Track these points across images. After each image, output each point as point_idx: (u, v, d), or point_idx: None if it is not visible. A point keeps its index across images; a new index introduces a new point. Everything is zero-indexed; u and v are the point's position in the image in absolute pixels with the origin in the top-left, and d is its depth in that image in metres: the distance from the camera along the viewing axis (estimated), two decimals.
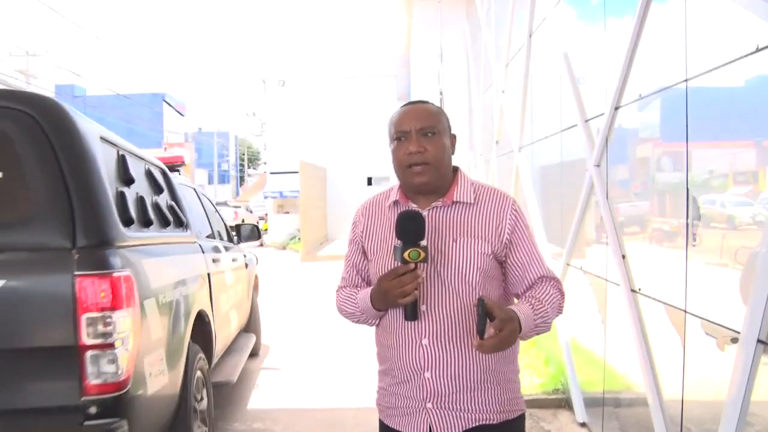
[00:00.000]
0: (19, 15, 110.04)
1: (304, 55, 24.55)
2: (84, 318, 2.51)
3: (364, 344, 6.95)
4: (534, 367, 5.50)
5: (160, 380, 2.99)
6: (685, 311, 2.88)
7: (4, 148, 2.59)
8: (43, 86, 36.41)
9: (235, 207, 31.56)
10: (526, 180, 6.63)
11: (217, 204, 27.24)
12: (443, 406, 1.84)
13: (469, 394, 1.84)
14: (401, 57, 17.50)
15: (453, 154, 1.99)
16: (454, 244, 1.85)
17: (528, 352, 5.81)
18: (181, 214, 4.03)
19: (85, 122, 2.85)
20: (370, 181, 23.76)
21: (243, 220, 31.72)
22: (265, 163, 26.71)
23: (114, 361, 2.56)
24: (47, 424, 2.56)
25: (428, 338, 1.83)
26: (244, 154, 70.72)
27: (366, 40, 23.22)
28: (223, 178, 70.45)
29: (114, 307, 2.56)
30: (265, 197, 25.02)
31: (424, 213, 1.87)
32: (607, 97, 3.92)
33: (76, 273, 2.52)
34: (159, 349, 3.02)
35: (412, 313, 1.78)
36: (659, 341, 3.26)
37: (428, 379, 1.83)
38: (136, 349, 2.70)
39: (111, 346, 2.55)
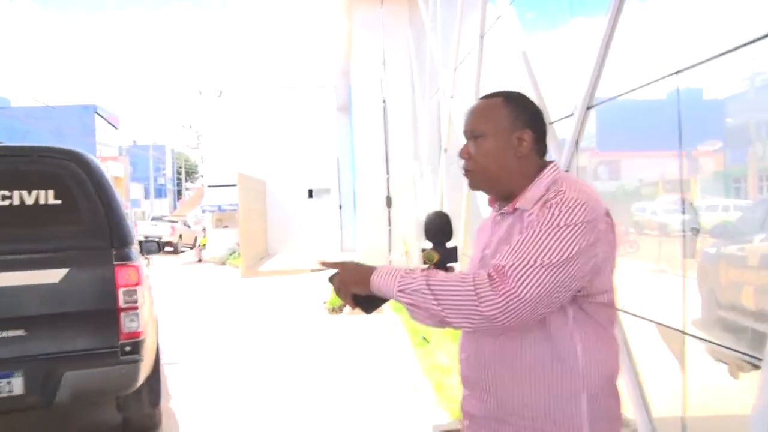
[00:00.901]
0: None
1: (242, 64, 23.85)
2: (120, 291, 3.98)
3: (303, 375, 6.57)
4: None
5: (152, 333, 4.51)
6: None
7: (60, 184, 4.01)
8: None
9: (172, 222, 30.49)
10: (479, 193, 6.29)
11: (154, 219, 26.16)
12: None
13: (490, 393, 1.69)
14: (341, 66, 17.11)
15: (523, 153, 1.67)
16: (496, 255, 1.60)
17: None
18: None
19: (102, 166, 4.41)
20: (311, 194, 23.19)
21: (180, 236, 30.71)
22: (202, 176, 25.77)
23: (136, 318, 4.02)
24: (99, 358, 3.96)
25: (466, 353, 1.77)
26: (181, 168, 69.00)
27: (305, 48, 22.68)
28: (160, 192, 68.59)
29: (137, 284, 4.04)
30: (203, 211, 24.11)
31: (498, 218, 1.74)
32: (577, 97, 3.61)
33: (115, 263, 4.01)
34: (152, 313, 4.55)
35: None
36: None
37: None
38: (146, 312, 4.19)
39: (135, 308, 4.02)
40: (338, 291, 1.66)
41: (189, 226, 32.29)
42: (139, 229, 32.46)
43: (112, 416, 4.55)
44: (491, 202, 1.79)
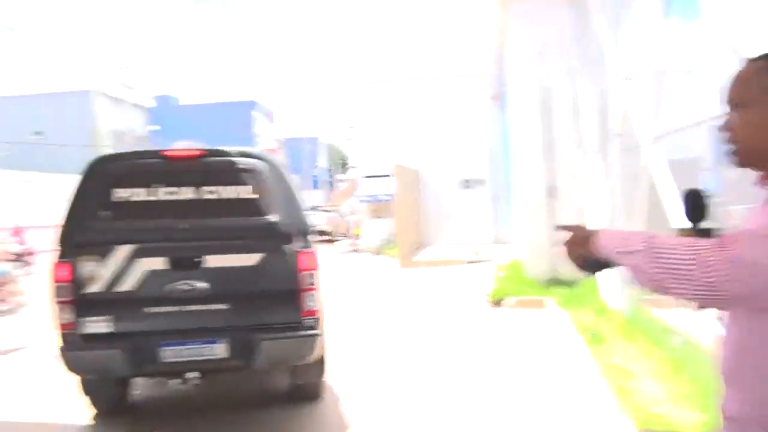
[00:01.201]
0: (112, 28, 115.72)
1: (395, 55, 24.12)
2: (302, 274, 4.55)
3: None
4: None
5: (322, 309, 4.86)
6: None
7: (255, 180, 4.61)
8: (141, 96, 37.67)
9: (327, 212, 31.58)
10: (662, 178, 5.83)
11: (311, 209, 26.90)
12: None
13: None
14: (495, 54, 16.73)
15: None
16: None
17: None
18: None
19: (284, 163, 5.26)
20: (464, 184, 23.05)
21: (335, 226, 31.72)
22: (355, 167, 26.46)
23: (314, 298, 4.60)
24: (286, 330, 4.55)
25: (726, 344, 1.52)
26: (333, 160, 71.27)
27: (458, 37, 22.50)
28: (314, 184, 71.29)
29: (314, 268, 4.62)
30: (360, 201, 24.72)
31: None
32: None
33: (297, 250, 4.59)
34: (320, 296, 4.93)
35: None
36: None
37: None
38: (320, 293, 4.75)
39: (313, 289, 4.60)
40: (569, 252, 1.66)
41: (343, 216, 33.27)
42: None
43: (277, 385, 5.65)
44: (762, 180, 1.51)
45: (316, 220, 31.67)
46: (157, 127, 38.96)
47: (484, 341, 7.68)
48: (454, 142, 22.45)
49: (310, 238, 4.81)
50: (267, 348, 4.53)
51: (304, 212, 4.88)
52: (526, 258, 11.32)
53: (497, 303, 9.82)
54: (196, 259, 4.51)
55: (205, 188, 4.60)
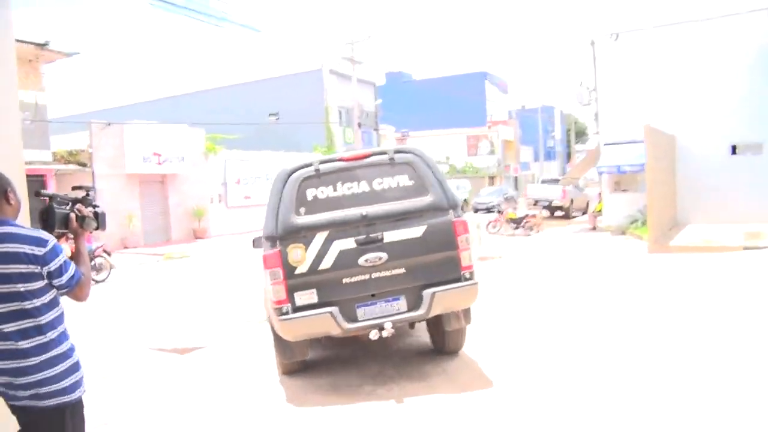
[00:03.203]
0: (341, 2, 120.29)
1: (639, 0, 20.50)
2: (459, 238, 5.68)
3: None
4: None
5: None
6: None
7: (410, 170, 5.80)
8: (369, 72, 37.59)
9: (564, 185, 28.70)
10: None
11: (544, 181, 24.72)
12: None
13: None
14: None
15: None
16: None
17: None
18: None
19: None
20: (734, 150, 18.85)
21: (572, 201, 28.75)
22: (597, 134, 23.20)
23: (469, 256, 5.72)
24: (452, 282, 5.65)
25: None
26: (570, 129, 66.94)
27: None
28: (549, 155, 67.78)
29: (467, 233, 5.76)
30: (600, 173, 21.53)
31: None
32: None
33: (453, 220, 5.72)
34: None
35: None
36: None
37: None
38: (468, 249, 5.78)
39: (468, 249, 5.73)
40: None
41: (581, 190, 30.14)
42: (529, 191, 31.58)
43: (417, 338, 7.22)
44: None
45: (549, 193, 29.25)
46: (379, 101, 38.74)
47: None
48: (721, 100, 18.39)
49: (459, 210, 5.85)
50: (440, 298, 5.59)
51: (452, 191, 5.92)
52: None
53: None
54: (377, 237, 5.57)
55: (375, 180, 5.75)
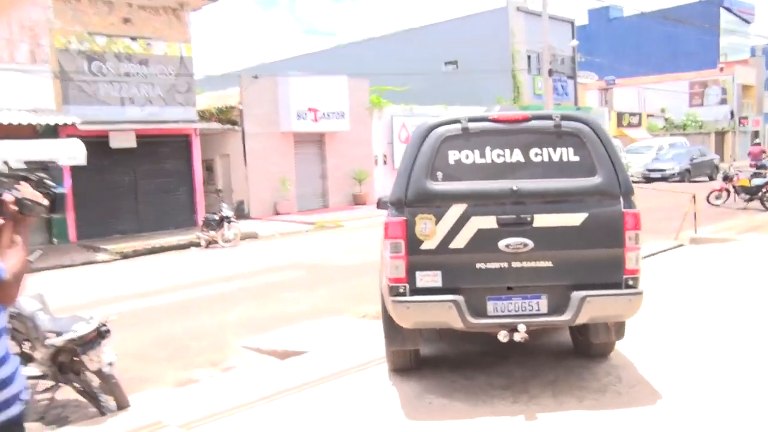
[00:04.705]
0: None
1: None
2: (627, 234, 4.63)
3: None
4: None
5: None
6: None
7: (578, 143, 4.74)
8: (566, 8, 32.30)
9: None
10: None
11: None
12: None
13: None
14: None
15: None
16: None
17: None
18: None
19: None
20: None
21: None
22: None
23: (636, 258, 4.66)
24: (608, 288, 4.65)
25: None
26: None
27: None
28: None
29: (639, 228, 4.68)
30: None
31: None
32: None
33: (623, 210, 4.66)
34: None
35: None
36: None
37: None
38: (637, 249, 4.72)
39: (637, 249, 4.66)
40: None
41: None
42: None
43: (561, 342, 5.96)
44: None
45: None
46: (575, 42, 33.05)
47: None
48: None
49: (632, 198, 4.78)
50: (590, 305, 4.63)
51: (627, 173, 4.92)
52: None
53: None
54: (525, 218, 4.66)
55: (532, 150, 4.76)
